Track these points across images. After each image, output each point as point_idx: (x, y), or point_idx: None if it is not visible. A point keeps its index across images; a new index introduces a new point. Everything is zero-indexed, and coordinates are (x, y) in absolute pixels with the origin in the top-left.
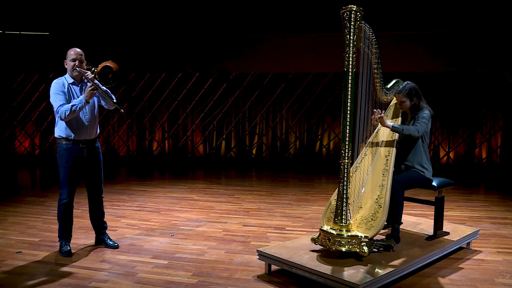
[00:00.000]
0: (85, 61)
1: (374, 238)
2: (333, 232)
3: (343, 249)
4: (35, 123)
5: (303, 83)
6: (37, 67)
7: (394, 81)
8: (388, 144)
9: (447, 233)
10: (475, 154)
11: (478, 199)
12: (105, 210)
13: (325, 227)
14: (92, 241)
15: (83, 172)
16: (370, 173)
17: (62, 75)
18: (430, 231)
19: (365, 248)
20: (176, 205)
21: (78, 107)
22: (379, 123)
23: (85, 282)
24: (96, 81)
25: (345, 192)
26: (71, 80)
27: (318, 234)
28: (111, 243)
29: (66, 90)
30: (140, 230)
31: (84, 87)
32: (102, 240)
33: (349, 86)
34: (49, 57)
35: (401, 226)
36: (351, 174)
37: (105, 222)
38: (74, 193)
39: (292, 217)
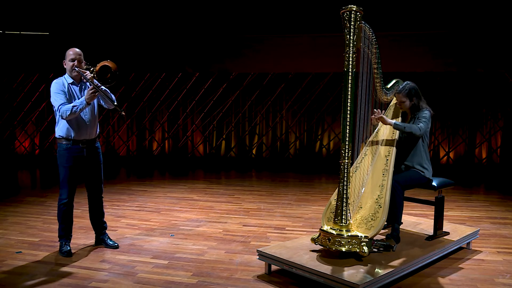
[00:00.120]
0: (84, 61)
1: (374, 238)
2: (333, 232)
3: (343, 249)
4: (35, 123)
5: (303, 83)
6: (37, 67)
7: (394, 81)
8: (388, 144)
9: (447, 233)
10: (475, 154)
11: (478, 199)
12: (105, 210)
13: (325, 227)
14: (92, 241)
15: (83, 172)
16: (370, 173)
17: (62, 75)
18: (430, 231)
19: (365, 248)
20: (176, 205)
21: (79, 108)
22: (381, 122)
23: (85, 282)
24: (95, 81)
25: (345, 192)
26: (71, 80)
27: (318, 234)
28: (111, 243)
29: (66, 90)
30: (140, 230)
31: (83, 87)
32: (102, 240)
33: (349, 86)
34: (49, 57)
35: (401, 226)
36: (351, 174)
37: (105, 222)
38: (74, 193)
39: (292, 217)
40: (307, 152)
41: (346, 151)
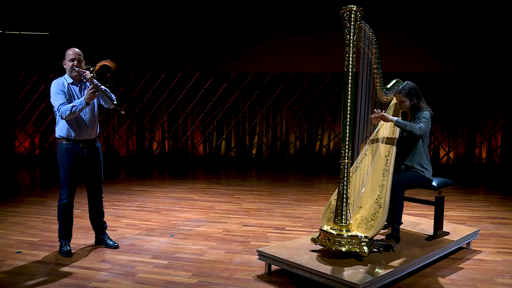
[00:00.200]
0: (84, 61)
1: (374, 238)
2: (333, 232)
3: (343, 249)
4: (35, 123)
5: (303, 83)
6: (37, 67)
7: (394, 81)
8: (388, 144)
9: (447, 233)
10: (475, 154)
11: (478, 199)
12: (105, 210)
13: (325, 227)
14: (92, 241)
15: (83, 172)
16: (370, 173)
17: (62, 75)
18: (430, 231)
19: (365, 248)
20: (176, 205)
21: (78, 108)
22: (381, 122)
23: (85, 282)
24: (94, 81)
25: (345, 192)
26: (71, 80)
27: (318, 234)
28: (111, 243)
29: (66, 90)
30: (140, 230)
31: (83, 86)
32: (102, 240)
33: (349, 86)
34: (49, 57)
35: (401, 226)
36: (351, 174)
37: (105, 222)
38: (74, 193)
39: (292, 217)
40: (307, 152)
41: (346, 151)
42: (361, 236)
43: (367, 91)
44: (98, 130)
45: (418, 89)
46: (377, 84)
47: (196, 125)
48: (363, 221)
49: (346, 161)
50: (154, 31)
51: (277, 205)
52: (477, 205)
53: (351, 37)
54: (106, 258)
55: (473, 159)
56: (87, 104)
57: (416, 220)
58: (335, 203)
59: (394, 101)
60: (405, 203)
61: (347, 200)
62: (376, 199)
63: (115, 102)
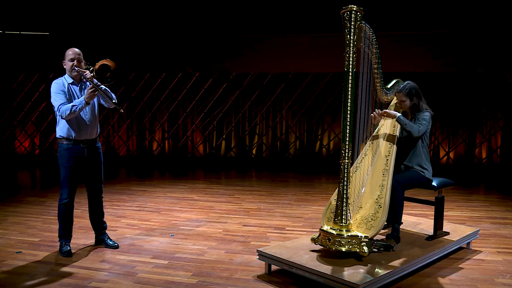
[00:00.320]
0: (83, 61)
1: (374, 238)
2: (333, 232)
3: (343, 249)
4: (35, 123)
5: (303, 83)
6: (37, 67)
7: (394, 81)
8: (388, 144)
9: (447, 233)
10: (475, 154)
11: (478, 199)
12: (105, 210)
13: (325, 227)
14: (92, 241)
15: (83, 172)
16: (370, 173)
17: (62, 75)
18: (430, 231)
19: (365, 248)
20: (176, 205)
21: (78, 108)
22: (385, 116)
23: (85, 282)
24: (94, 80)
25: (345, 192)
26: (71, 80)
27: (318, 234)
28: (111, 243)
29: (66, 90)
30: (140, 230)
31: (83, 86)
32: (102, 240)
33: (349, 86)
34: (49, 57)
35: (401, 226)
36: (351, 174)
37: (105, 222)
38: (75, 193)
39: (292, 217)
40: (307, 152)
41: (346, 151)
42: (361, 236)
43: (367, 91)
44: (99, 130)
45: (418, 89)
46: (377, 84)
47: (196, 125)
48: (363, 221)
49: (346, 161)
50: (154, 31)
51: (277, 205)
52: (477, 205)
53: (351, 37)
54: (106, 258)
55: (473, 159)
56: (87, 103)
57: (416, 220)
58: (335, 203)
59: (394, 100)
60: (405, 203)
61: (347, 200)
62: (376, 199)
63: (114, 101)
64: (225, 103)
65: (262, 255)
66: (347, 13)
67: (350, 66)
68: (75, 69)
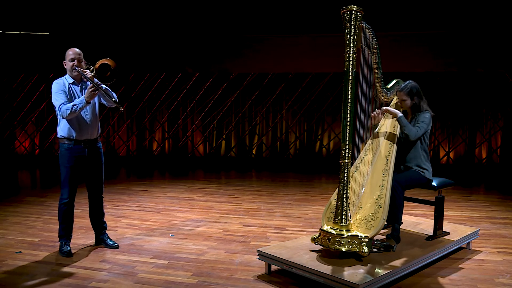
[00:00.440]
0: (84, 61)
1: (374, 238)
2: (333, 232)
3: (343, 249)
4: (35, 123)
5: (303, 83)
6: (37, 67)
7: (394, 81)
8: (389, 144)
9: (447, 233)
10: (475, 154)
11: (478, 199)
12: (105, 210)
13: (325, 227)
14: (92, 241)
15: (84, 172)
16: (370, 173)
17: (62, 75)
18: (430, 231)
19: (365, 248)
20: (176, 205)
21: (78, 107)
22: (387, 113)
23: (85, 282)
24: (95, 80)
25: (345, 192)
26: (71, 80)
27: (318, 234)
28: (111, 243)
29: (67, 90)
30: (140, 230)
31: (84, 86)
32: (102, 240)
33: (349, 86)
34: (49, 57)
35: (401, 226)
36: (351, 174)
37: (105, 222)
38: (75, 193)
39: (292, 217)
40: (307, 152)
41: (346, 151)
42: (361, 236)
43: (367, 91)
44: (100, 130)
45: (419, 89)
46: (378, 84)
47: (196, 125)
48: (363, 221)
49: (346, 161)
50: (154, 31)
51: (277, 205)
52: (477, 205)
53: (352, 37)
54: (106, 258)
55: (473, 159)
56: (88, 102)
57: (416, 220)
58: (335, 203)
59: (394, 100)
60: (405, 203)
61: (347, 200)
62: (376, 199)
63: (115, 100)
64: (225, 103)
65: (262, 255)
66: (347, 13)
67: (350, 66)
68: (75, 69)
